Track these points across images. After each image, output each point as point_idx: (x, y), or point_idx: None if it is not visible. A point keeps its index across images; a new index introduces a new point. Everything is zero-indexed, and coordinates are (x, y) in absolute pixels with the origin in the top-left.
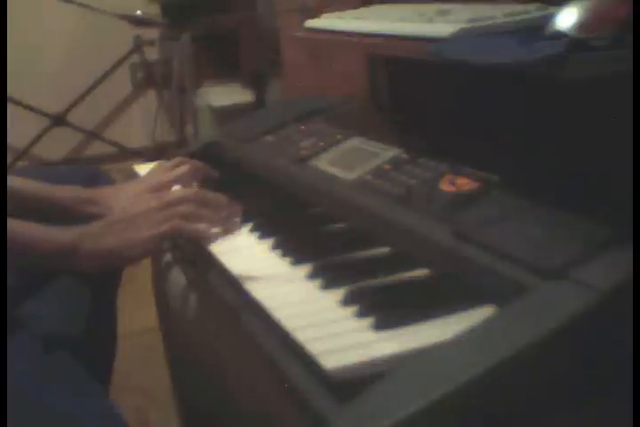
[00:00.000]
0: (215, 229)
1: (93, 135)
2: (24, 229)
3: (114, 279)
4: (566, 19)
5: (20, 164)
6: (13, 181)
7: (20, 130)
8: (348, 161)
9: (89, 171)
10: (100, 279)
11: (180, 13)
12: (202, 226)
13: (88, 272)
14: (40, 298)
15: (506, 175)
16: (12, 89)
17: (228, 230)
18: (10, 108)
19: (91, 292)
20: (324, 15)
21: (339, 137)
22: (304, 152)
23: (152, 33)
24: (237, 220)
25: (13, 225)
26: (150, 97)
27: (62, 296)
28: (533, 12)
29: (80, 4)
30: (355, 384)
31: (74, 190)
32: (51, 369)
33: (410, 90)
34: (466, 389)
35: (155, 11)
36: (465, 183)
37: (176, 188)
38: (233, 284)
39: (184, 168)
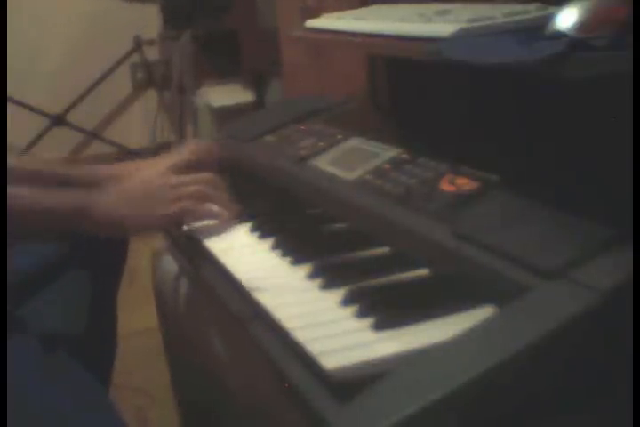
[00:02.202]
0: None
1: (93, 135)
2: (42, 195)
3: (114, 279)
4: (566, 19)
5: None
6: (28, 165)
7: (20, 130)
8: (348, 161)
9: None
10: (101, 279)
11: (179, 13)
12: (213, 207)
13: (98, 235)
14: (41, 298)
15: (506, 175)
16: (12, 89)
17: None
18: (10, 108)
19: (91, 292)
20: (324, 15)
21: (339, 137)
22: (304, 152)
23: (152, 33)
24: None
25: (32, 191)
26: (150, 97)
27: (63, 296)
28: (533, 11)
29: None
30: (355, 384)
31: (91, 168)
32: (50, 369)
33: (410, 90)
34: (466, 389)
35: (154, 10)
36: (465, 183)
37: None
38: (233, 284)
39: (210, 149)
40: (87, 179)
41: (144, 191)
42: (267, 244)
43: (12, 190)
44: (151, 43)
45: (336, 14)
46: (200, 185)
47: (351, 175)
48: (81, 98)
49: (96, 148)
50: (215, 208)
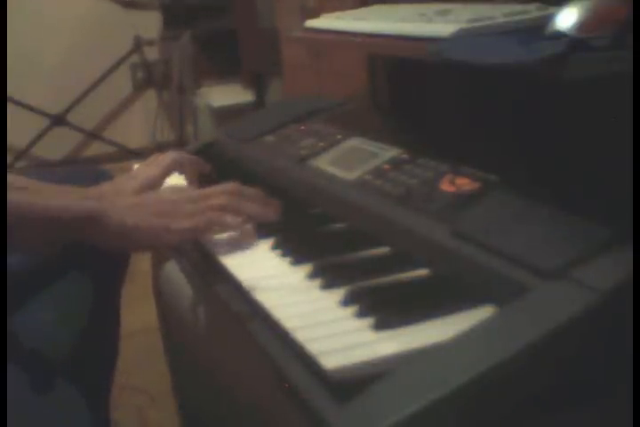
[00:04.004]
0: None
1: (93, 135)
2: (52, 195)
3: (117, 280)
4: (566, 19)
5: (20, 164)
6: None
7: (20, 130)
8: (348, 161)
9: (92, 171)
10: (102, 280)
11: (180, 13)
12: (237, 219)
13: (108, 248)
14: (40, 300)
15: (506, 175)
16: (12, 89)
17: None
18: (10, 108)
19: (93, 293)
20: (324, 15)
21: (339, 137)
22: (304, 152)
23: (152, 33)
24: (273, 214)
25: (42, 191)
26: (150, 97)
27: (64, 298)
28: (533, 11)
29: None
30: (355, 384)
31: (71, 197)
32: (47, 382)
33: (410, 90)
34: (466, 389)
35: (154, 19)
36: (465, 183)
37: (173, 179)
38: (232, 284)
39: (167, 157)
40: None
41: (160, 204)
42: (267, 244)
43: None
44: (151, 43)
45: (336, 14)
46: (224, 196)
47: (351, 175)
48: (81, 98)
49: (96, 148)
50: (240, 220)
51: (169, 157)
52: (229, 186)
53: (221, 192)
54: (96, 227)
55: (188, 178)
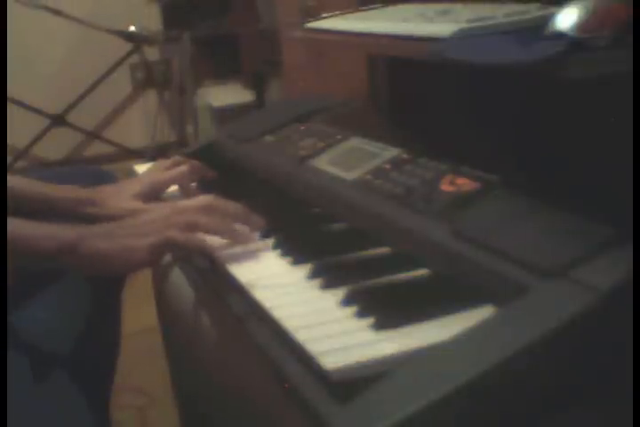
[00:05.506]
0: (219, 240)
1: (93, 135)
2: (24, 227)
3: (119, 281)
4: (566, 19)
5: (20, 164)
6: (13, 181)
7: (20, 130)
8: (348, 161)
9: (93, 171)
10: (104, 281)
11: (180, 14)
12: (199, 237)
13: (86, 274)
14: (41, 301)
15: (506, 175)
16: (12, 89)
17: (236, 241)
18: (10, 108)
19: (95, 293)
20: (325, 15)
21: (339, 137)
22: (304, 152)
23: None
24: (251, 232)
25: (13, 223)
26: (150, 97)
27: (64, 297)
28: (533, 11)
29: (74, 19)
30: (355, 384)
31: (73, 190)
32: (46, 383)
33: (410, 90)
34: (466, 389)
35: (153, 19)
36: (465, 183)
37: (174, 187)
38: (232, 284)
39: (182, 168)
40: (71, 203)
41: (132, 226)
42: (267, 244)
43: None
44: (151, 43)
45: (336, 14)
46: (192, 214)
47: (351, 175)
48: (81, 98)
49: (96, 148)
50: (202, 237)
51: (178, 169)
52: (206, 201)
53: (195, 208)
54: (73, 255)
55: (183, 189)
